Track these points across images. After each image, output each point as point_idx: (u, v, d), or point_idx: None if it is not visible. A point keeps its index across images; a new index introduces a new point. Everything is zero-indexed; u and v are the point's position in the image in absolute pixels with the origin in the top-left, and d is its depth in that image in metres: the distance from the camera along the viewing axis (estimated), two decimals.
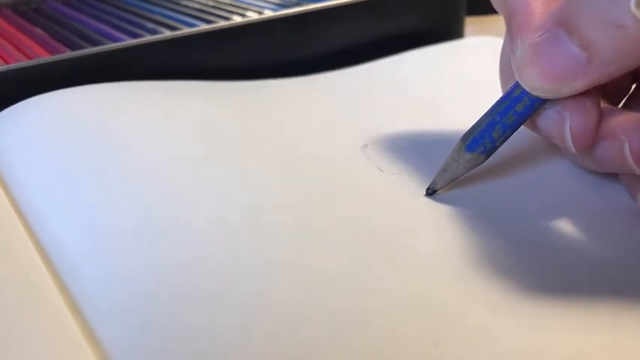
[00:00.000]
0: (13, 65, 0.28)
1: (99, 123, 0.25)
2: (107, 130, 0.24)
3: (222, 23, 0.32)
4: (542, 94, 0.18)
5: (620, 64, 0.17)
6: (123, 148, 0.23)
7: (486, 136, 0.20)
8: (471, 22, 0.41)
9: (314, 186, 0.21)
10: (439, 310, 0.16)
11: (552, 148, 0.23)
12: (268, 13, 0.34)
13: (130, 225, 0.19)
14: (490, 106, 0.20)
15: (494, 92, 0.24)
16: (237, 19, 0.33)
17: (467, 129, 0.20)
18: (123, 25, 0.36)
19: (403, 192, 0.21)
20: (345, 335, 0.15)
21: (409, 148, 0.24)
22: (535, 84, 0.18)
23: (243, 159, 0.23)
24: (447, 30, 0.37)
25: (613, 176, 0.21)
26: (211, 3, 0.39)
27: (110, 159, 0.22)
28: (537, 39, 0.17)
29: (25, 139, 0.24)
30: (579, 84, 0.17)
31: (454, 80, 0.30)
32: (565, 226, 0.19)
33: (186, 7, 0.39)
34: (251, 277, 0.17)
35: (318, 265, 0.17)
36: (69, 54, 0.29)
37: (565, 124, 0.18)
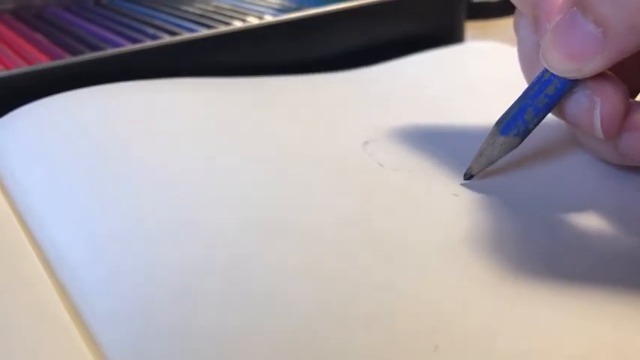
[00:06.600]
0: (13, 71, 0.28)
1: (99, 127, 0.25)
2: (107, 133, 0.24)
3: (222, 28, 0.32)
4: (566, 75, 0.18)
5: (636, 36, 0.17)
6: (123, 152, 0.23)
7: (519, 119, 0.20)
8: (471, 27, 0.41)
9: (315, 183, 0.21)
10: (440, 313, 0.16)
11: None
12: (269, 18, 0.34)
13: (130, 229, 0.19)
14: (521, 92, 0.20)
15: (493, 95, 0.24)
16: (237, 24, 0.34)
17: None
18: (123, 30, 0.36)
19: (404, 188, 0.21)
20: (345, 336, 0.15)
21: (410, 146, 0.24)
22: (557, 65, 0.18)
23: (243, 158, 0.23)
24: (448, 34, 0.37)
25: (634, 169, 0.21)
26: (212, 8, 0.39)
27: (111, 163, 0.22)
28: (556, 22, 0.18)
29: (26, 145, 0.24)
30: (600, 61, 0.18)
31: (454, 84, 0.30)
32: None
33: (187, 12, 0.39)
34: (253, 279, 0.17)
35: (317, 265, 0.17)
36: (69, 59, 0.29)
37: (595, 108, 0.18)
